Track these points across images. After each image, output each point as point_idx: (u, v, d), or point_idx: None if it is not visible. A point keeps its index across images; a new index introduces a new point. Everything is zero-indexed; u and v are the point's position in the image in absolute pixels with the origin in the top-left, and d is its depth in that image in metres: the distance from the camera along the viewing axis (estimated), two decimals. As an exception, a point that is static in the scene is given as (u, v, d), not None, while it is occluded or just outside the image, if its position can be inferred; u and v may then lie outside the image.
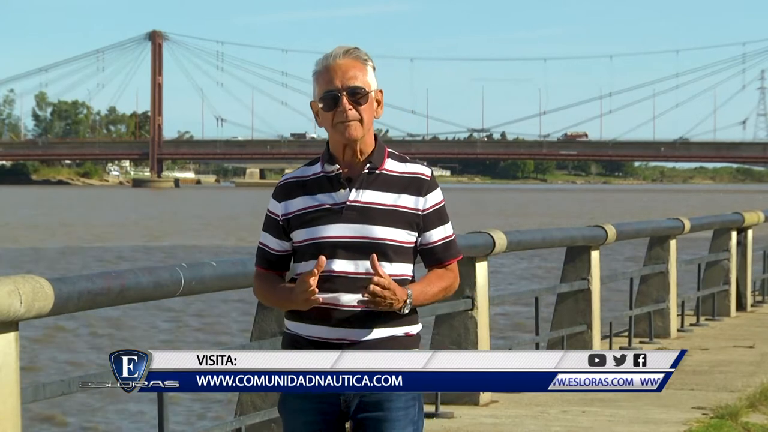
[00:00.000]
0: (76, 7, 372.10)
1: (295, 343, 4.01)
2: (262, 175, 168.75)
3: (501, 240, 8.97)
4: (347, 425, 4.06)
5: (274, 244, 4.06)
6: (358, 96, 3.95)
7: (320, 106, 3.99)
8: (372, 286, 3.84)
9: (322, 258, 3.87)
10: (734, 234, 14.92)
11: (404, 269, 3.98)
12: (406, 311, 3.95)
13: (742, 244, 15.22)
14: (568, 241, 10.65)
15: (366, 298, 3.86)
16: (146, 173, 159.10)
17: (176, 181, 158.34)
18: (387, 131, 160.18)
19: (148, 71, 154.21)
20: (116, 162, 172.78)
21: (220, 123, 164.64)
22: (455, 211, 68.60)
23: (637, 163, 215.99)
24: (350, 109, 3.94)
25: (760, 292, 16.58)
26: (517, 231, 9.86)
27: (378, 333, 3.96)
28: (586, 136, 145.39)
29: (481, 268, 8.91)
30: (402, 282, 3.97)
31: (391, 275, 3.93)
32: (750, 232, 15.47)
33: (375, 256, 3.88)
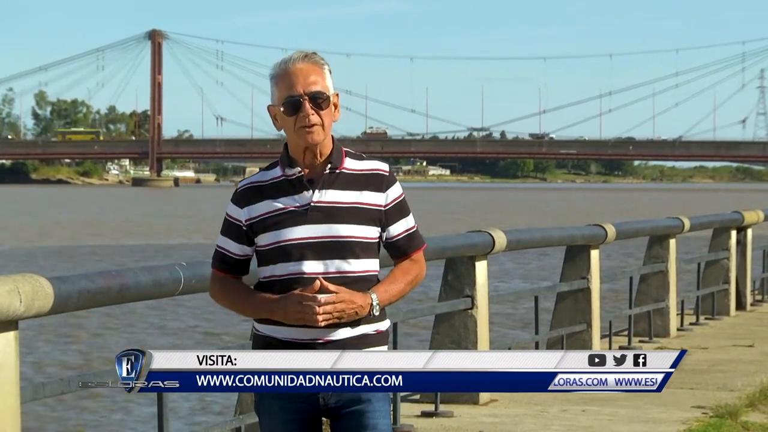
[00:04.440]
0: (76, 6, 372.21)
1: (268, 344, 4.02)
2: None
3: (500, 239, 8.97)
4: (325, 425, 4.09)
5: (235, 248, 4.08)
6: (319, 101, 4.00)
7: (281, 110, 4.02)
8: (320, 309, 3.89)
9: (317, 283, 3.91)
10: (734, 233, 14.92)
11: (370, 265, 4.03)
12: (377, 313, 4.00)
13: (741, 243, 15.22)
14: (567, 240, 10.65)
15: (324, 325, 3.91)
16: (146, 172, 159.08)
17: (176, 180, 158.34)
18: (386, 130, 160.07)
19: (147, 70, 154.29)
20: (116, 161, 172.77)
21: (219, 122, 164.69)
22: (455, 210, 68.67)
23: (636, 162, 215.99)
24: (312, 114, 3.99)
25: (759, 291, 16.57)
26: (517, 230, 9.86)
27: (350, 332, 4.00)
28: (386, 134, 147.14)
29: (481, 267, 8.90)
30: (369, 278, 4.02)
31: (358, 272, 3.99)
32: (749, 231, 15.47)
33: (320, 280, 3.92)
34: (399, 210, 4.08)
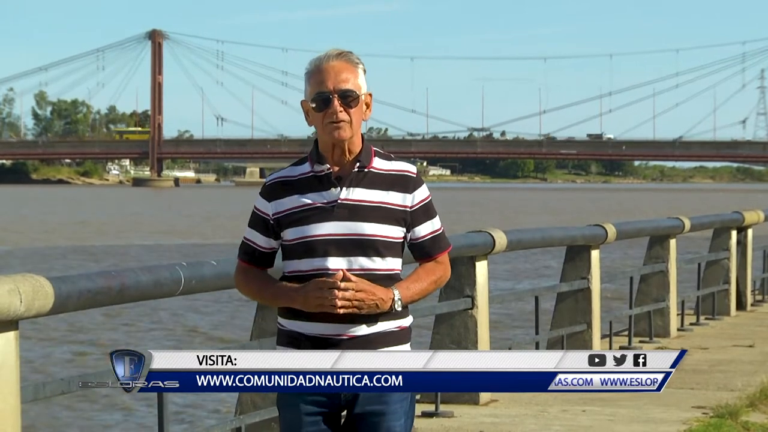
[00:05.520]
0: (76, 6, 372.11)
1: (293, 339, 4.06)
2: (262, 174, 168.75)
3: (501, 239, 8.97)
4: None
5: (261, 241, 4.13)
6: (349, 99, 4.04)
7: (312, 106, 4.07)
8: (339, 294, 3.93)
9: (339, 273, 3.95)
10: (734, 233, 14.92)
11: (394, 264, 4.07)
12: (399, 308, 4.02)
13: (742, 243, 15.22)
14: (568, 241, 10.65)
15: (342, 311, 3.94)
16: (146, 172, 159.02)
17: (176, 180, 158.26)
18: (386, 130, 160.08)
19: (148, 70, 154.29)
20: (116, 161, 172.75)
21: (220, 122, 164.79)
22: (455, 210, 68.68)
23: (637, 163, 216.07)
24: (341, 111, 4.03)
25: (760, 291, 16.58)
26: (517, 230, 9.87)
27: (374, 328, 4.03)
28: None
29: (481, 268, 8.91)
30: (392, 277, 4.06)
31: (382, 270, 4.03)
32: (750, 231, 15.47)
33: (343, 271, 3.96)
34: (425, 211, 4.11)
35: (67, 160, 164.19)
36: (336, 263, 3.99)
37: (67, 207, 76.23)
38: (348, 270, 3.99)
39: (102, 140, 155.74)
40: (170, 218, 60.28)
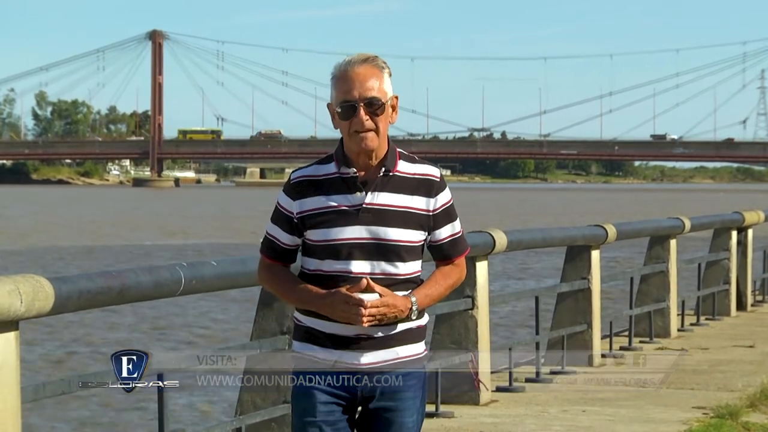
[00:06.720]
0: (76, 6, 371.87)
1: (310, 336, 4.08)
2: (263, 175, 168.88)
3: (501, 239, 8.97)
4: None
5: (285, 238, 4.14)
6: (375, 107, 4.05)
7: (338, 111, 4.07)
8: (365, 312, 3.96)
9: (363, 281, 3.99)
10: (734, 233, 14.92)
11: (415, 266, 4.11)
12: (415, 318, 4.07)
13: (742, 243, 15.22)
14: (568, 241, 10.65)
15: (367, 325, 3.98)
16: (146, 173, 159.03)
17: (176, 181, 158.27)
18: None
19: (148, 70, 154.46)
20: (116, 161, 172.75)
21: (220, 122, 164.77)
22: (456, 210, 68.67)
23: (637, 163, 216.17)
24: (367, 120, 4.04)
25: (760, 291, 16.57)
26: (517, 230, 9.86)
27: (393, 328, 4.06)
28: (281, 133, 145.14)
29: (482, 268, 8.91)
30: (413, 280, 4.10)
31: (403, 274, 4.07)
32: (750, 232, 15.47)
33: (367, 279, 3.98)
34: (446, 215, 4.15)
35: (68, 161, 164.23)
36: (359, 267, 4.02)
37: (67, 207, 76.25)
38: (370, 273, 4.02)
39: (102, 140, 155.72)
40: (170, 218, 60.29)
